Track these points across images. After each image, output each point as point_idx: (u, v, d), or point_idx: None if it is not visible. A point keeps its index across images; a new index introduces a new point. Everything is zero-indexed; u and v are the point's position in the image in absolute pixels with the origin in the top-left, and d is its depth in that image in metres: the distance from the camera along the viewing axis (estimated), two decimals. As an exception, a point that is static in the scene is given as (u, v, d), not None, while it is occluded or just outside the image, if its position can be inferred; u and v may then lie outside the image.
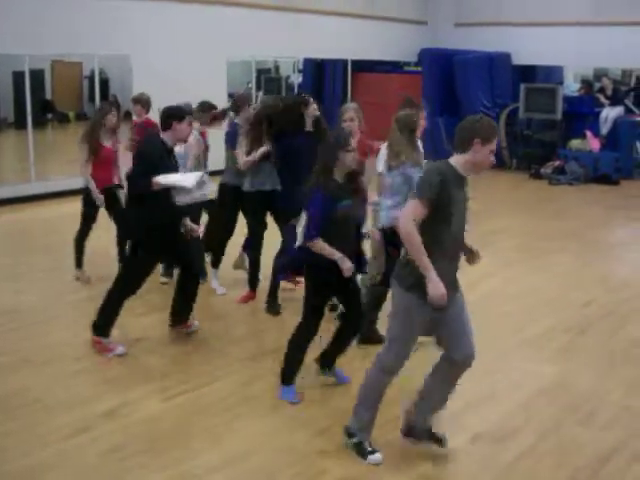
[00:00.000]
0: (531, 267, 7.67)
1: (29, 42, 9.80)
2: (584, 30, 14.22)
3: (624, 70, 16.71)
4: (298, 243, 4.39)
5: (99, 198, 6.52)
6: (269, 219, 6.11)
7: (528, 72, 15.23)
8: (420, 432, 3.83)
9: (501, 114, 14.49)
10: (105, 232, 6.93)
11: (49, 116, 16.45)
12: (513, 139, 14.48)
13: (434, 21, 16.29)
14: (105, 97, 11.57)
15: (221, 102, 7.58)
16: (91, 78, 12.52)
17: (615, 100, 14.04)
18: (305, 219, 4.32)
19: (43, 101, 15.64)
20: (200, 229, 5.79)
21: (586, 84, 15.72)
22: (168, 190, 4.94)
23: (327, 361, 4.66)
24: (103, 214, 6.73)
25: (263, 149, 5.76)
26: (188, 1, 11.73)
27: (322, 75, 16.49)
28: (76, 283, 6.61)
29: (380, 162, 5.27)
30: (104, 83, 12.65)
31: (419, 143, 5.26)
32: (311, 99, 5.78)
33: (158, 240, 5.06)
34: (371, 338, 5.11)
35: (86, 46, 10.56)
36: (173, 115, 5.07)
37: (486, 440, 4.07)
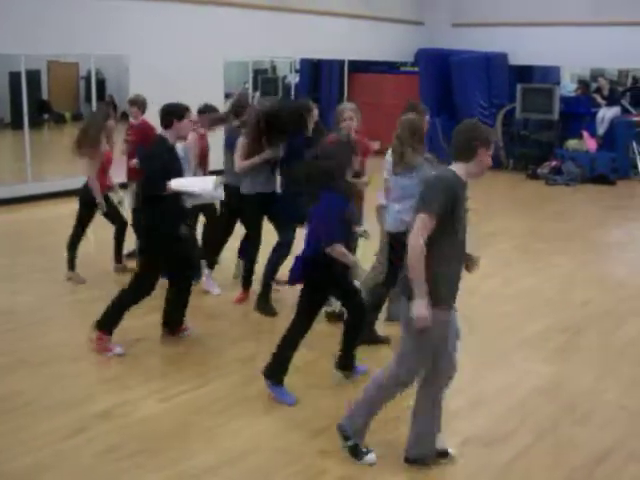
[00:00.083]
0: (529, 268, 7.68)
1: (25, 42, 9.78)
2: (581, 30, 14.23)
3: (621, 70, 16.76)
4: (309, 250, 4.35)
5: (103, 205, 6.55)
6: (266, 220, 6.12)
7: (525, 72, 15.24)
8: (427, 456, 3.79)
9: (498, 114, 14.51)
10: (102, 232, 6.92)
11: (45, 116, 16.44)
12: (510, 139, 14.50)
13: (431, 21, 16.29)
14: (101, 98, 11.59)
15: (218, 102, 7.57)
16: (87, 78, 12.48)
17: (612, 100, 14.06)
18: (318, 222, 4.29)
19: (39, 101, 15.62)
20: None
21: (583, 84, 15.77)
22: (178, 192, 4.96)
23: (345, 364, 4.70)
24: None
25: (264, 155, 5.76)
26: (185, 1, 11.71)
27: (319, 75, 16.51)
28: (72, 284, 6.59)
29: (386, 167, 5.24)
30: (100, 83, 12.66)
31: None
32: (313, 105, 5.79)
33: (160, 240, 5.06)
34: (370, 338, 5.12)
35: (82, 46, 10.54)
36: (173, 113, 5.05)
37: (483, 440, 4.08)
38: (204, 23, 11.98)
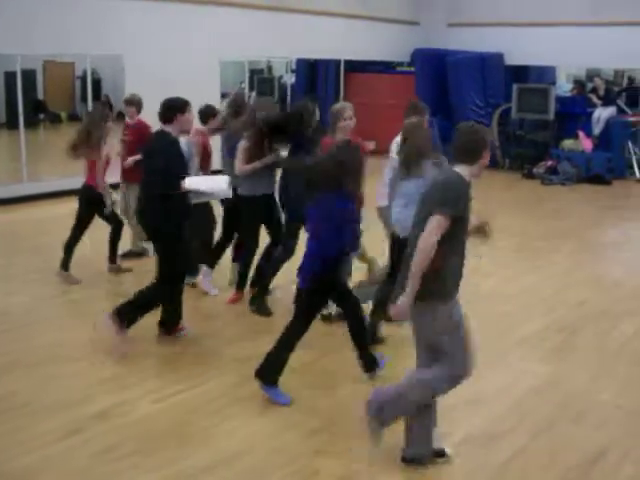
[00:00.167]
0: (526, 267, 7.69)
1: (21, 42, 9.75)
2: (577, 30, 14.24)
3: (616, 70, 16.78)
4: (317, 251, 4.35)
5: (110, 204, 6.56)
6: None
7: (521, 72, 15.26)
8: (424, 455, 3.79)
9: (494, 114, 14.53)
10: (97, 233, 6.91)
11: (41, 116, 16.41)
12: (505, 139, 14.51)
13: (427, 21, 16.30)
14: (97, 97, 11.56)
15: (214, 102, 7.55)
16: (83, 78, 12.48)
17: (607, 100, 14.08)
18: (328, 224, 4.29)
19: (35, 101, 15.60)
20: None
21: (578, 84, 15.77)
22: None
23: (367, 366, 4.72)
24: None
25: (266, 160, 5.76)
26: (181, 1, 11.70)
27: (315, 75, 16.51)
28: (67, 285, 6.57)
29: (389, 170, 5.20)
30: (96, 83, 12.62)
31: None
32: (314, 104, 5.78)
33: (164, 240, 5.06)
34: (373, 338, 5.13)
35: (78, 46, 10.52)
36: (175, 107, 5.01)
37: (480, 439, 4.08)
38: (200, 23, 11.97)
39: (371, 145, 9.89)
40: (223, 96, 12.54)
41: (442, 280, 3.51)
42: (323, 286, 4.45)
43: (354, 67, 15.73)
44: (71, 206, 6.72)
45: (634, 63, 14.37)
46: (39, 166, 11.35)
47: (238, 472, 3.70)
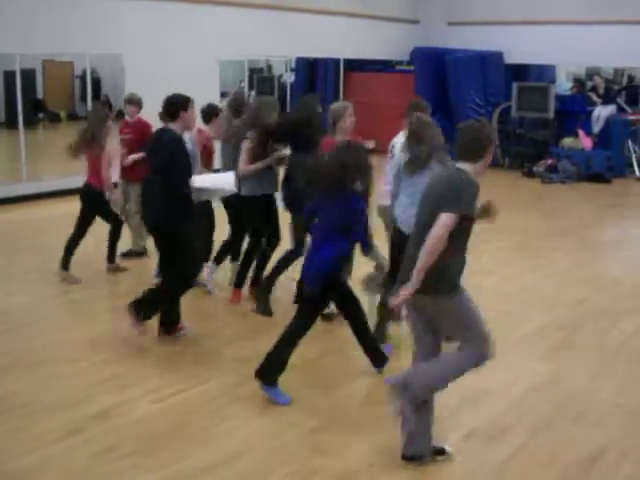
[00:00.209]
0: (526, 265, 7.70)
1: (20, 41, 9.75)
2: (576, 29, 14.23)
3: (616, 69, 16.77)
4: (324, 252, 4.34)
5: (116, 201, 6.60)
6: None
7: (520, 71, 15.25)
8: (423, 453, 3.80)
9: (493, 113, 14.52)
10: (97, 232, 6.91)
11: (40, 116, 16.40)
12: (505, 138, 14.51)
13: (426, 20, 16.29)
14: (97, 97, 11.56)
15: (214, 101, 7.53)
16: (83, 78, 12.49)
17: (607, 99, 14.08)
18: (349, 226, 4.32)
19: (34, 101, 15.60)
20: None
21: (578, 83, 15.76)
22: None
23: (376, 362, 4.74)
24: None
25: (268, 160, 5.75)
26: (180, 0, 11.70)
27: (314, 74, 16.50)
28: (67, 284, 6.57)
29: (391, 168, 5.19)
30: (96, 83, 12.62)
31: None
32: (319, 105, 5.78)
33: (163, 240, 5.07)
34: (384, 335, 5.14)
35: (77, 45, 10.52)
36: (178, 104, 4.97)
37: (479, 438, 4.08)
38: (200, 22, 11.96)
39: (370, 144, 9.90)
40: (222, 95, 12.55)
41: (449, 273, 3.56)
42: (330, 286, 4.46)
43: (353, 66, 15.72)
44: (71, 205, 6.72)
45: (634, 61, 14.36)
46: (38, 166, 11.36)
47: (238, 472, 3.70)
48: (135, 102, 7.28)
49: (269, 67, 17.73)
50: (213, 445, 3.93)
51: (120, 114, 8.47)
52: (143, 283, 5.94)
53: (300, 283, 5.85)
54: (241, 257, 6.35)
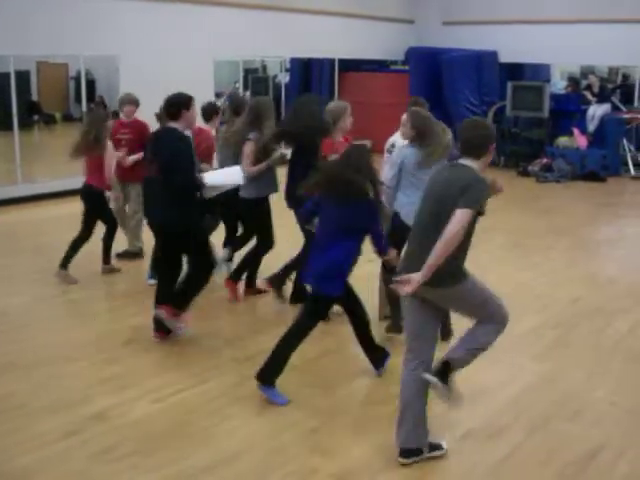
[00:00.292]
0: (521, 264, 7.72)
1: (14, 43, 9.73)
2: (571, 28, 14.28)
3: (611, 67, 16.84)
4: (332, 255, 4.35)
5: (120, 198, 6.62)
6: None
7: (515, 70, 15.29)
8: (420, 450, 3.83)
9: (488, 112, 14.55)
10: (99, 232, 6.92)
11: (35, 117, 16.34)
12: (501, 137, 14.51)
13: (421, 20, 16.32)
14: (91, 98, 11.53)
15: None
16: (77, 79, 12.45)
17: (602, 97, 14.13)
18: (365, 229, 4.38)
19: (29, 102, 15.54)
20: None
21: (573, 82, 15.81)
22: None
23: (374, 358, 4.77)
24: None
25: (270, 162, 5.76)
26: (175, 1, 11.69)
27: (309, 74, 16.51)
28: (65, 285, 6.58)
29: (390, 168, 5.21)
30: (90, 84, 12.59)
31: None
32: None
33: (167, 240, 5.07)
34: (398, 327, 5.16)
35: (72, 47, 10.51)
36: (180, 103, 4.97)
37: (476, 437, 4.11)
38: (194, 23, 11.96)
39: (367, 144, 9.91)
40: (217, 96, 12.54)
41: (458, 265, 3.63)
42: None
43: (348, 66, 15.74)
44: (68, 207, 6.74)
45: (628, 60, 14.43)
46: (34, 167, 11.34)
47: (238, 472, 3.72)
48: (133, 101, 7.28)
49: (264, 67, 17.72)
50: (213, 445, 3.94)
51: (115, 115, 8.45)
52: (140, 283, 5.97)
53: (296, 283, 5.88)
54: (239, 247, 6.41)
